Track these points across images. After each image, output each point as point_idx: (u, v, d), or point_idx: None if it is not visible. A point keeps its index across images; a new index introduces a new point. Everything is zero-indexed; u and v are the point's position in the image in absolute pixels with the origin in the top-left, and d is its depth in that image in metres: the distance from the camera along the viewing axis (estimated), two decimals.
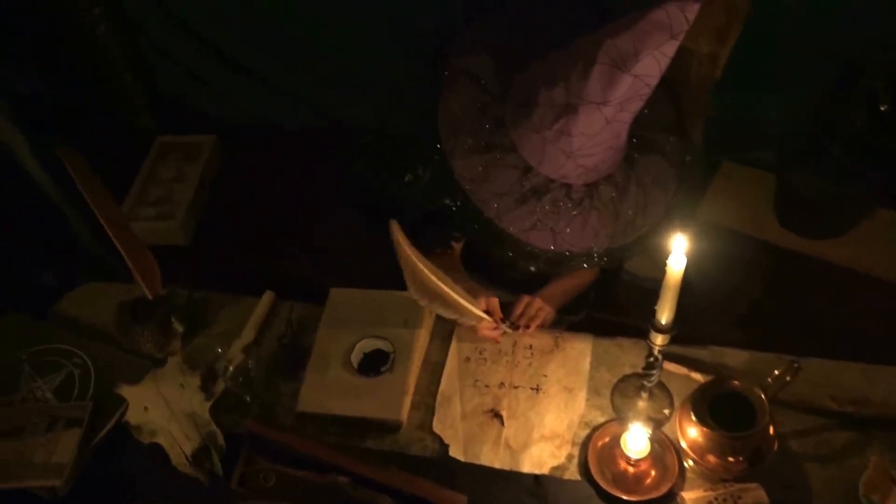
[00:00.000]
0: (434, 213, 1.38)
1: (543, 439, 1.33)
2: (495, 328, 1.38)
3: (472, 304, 1.32)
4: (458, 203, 1.20)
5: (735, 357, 1.42)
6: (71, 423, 1.31)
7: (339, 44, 2.16)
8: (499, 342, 1.43)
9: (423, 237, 1.43)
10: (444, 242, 1.50)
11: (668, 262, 1.10)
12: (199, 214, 2.28)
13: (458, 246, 1.54)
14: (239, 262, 2.15)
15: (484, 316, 1.35)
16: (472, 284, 1.43)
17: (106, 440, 1.34)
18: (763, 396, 1.21)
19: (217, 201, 2.34)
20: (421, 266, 1.21)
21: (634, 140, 1.23)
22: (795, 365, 1.24)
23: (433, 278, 1.22)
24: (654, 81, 1.06)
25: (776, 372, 1.24)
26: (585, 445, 1.31)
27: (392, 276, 1.47)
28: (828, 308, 1.82)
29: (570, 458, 1.31)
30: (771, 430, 1.22)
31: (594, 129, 1.09)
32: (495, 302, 1.38)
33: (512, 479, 1.29)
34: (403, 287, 1.49)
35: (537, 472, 1.29)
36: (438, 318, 1.52)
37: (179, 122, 2.52)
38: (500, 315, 1.38)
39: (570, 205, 1.18)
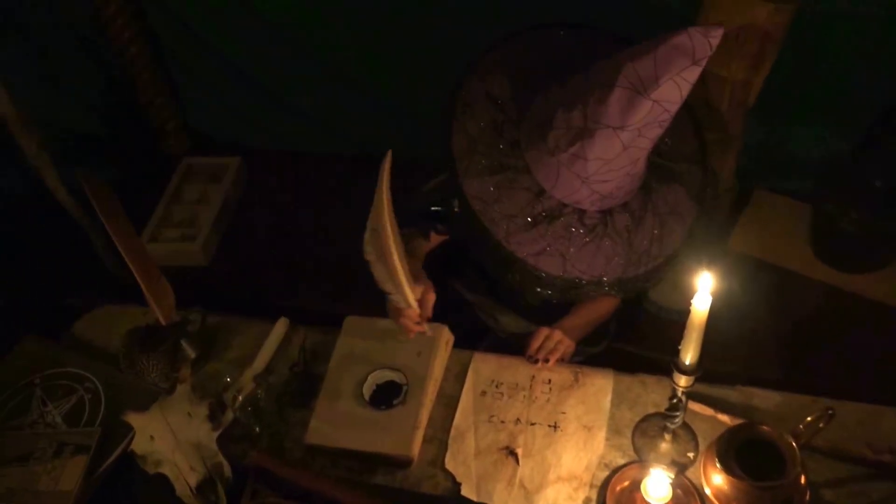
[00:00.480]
0: (436, 213, 1.37)
1: (560, 480, 1.28)
2: (417, 323, 1.34)
3: (410, 287, 1.29)
4: (461, 206, 1.17)
5: (765, 399, 1.35)
6: (78, 449, 1.30)
7: (362, 71, 2.17)
8: (410, 338, 1.38)
9: (410, 220, 1.42)
10: (424, 230, 1.47)
11: (692, 301, 1.05)
12: (222, 236, 2.27)
13: (434, 239, 1.50)
14: (258, 283, 2.14)
15: (412, 303, 1.32)
16: (424, 277, 1.40)
17: (114, 468, 1.31)
18: (794, 444, 1.14)
19: (240, 223, 2.34)
20: (387, 216, 1.18)
21: (653, 168, 1.19)
22: (829, 411, 1.17)
23: (389, 233, 1.19)
24: (673, 108, 1.02)
25: (808, 419, 1.17)
26: (604, 489, 1.25)
27: None
28: (866, 347, 1.73)
29: (587, 501, 1.25)
30: (802, 480, 1.15)
31: (610, 154, 1.06)
32: (431, 298, 1.35)
33: None
34: None
35: None
36: (453, 351, 1.49)
37: (208, 145, 2.53)
38: (429, 315, 1.35)
39: (582, 231, 1.14)
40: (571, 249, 1.14)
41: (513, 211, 1.14)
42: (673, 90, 1.00)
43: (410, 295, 1.30)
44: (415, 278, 1.35)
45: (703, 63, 0.98)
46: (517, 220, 1.14)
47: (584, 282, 1.15)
